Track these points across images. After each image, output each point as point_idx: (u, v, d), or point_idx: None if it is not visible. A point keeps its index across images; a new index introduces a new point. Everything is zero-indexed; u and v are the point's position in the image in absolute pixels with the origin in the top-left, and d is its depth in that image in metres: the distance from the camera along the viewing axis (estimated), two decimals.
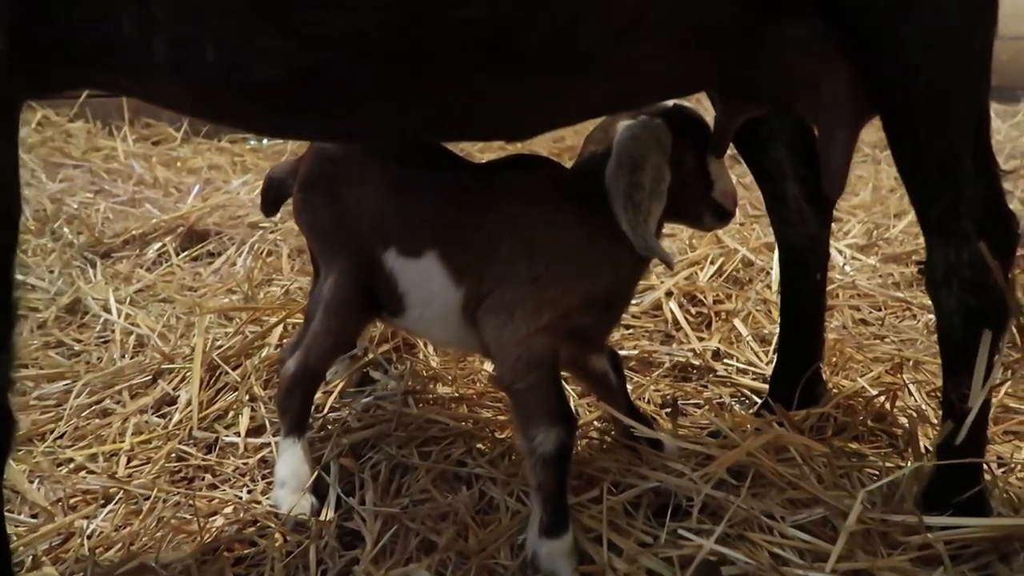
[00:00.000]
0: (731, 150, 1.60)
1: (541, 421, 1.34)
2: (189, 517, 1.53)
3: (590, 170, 1.47)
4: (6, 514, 1.20)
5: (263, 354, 2.03)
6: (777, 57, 1.26)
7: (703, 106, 1.93)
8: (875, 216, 3.04)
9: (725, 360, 2.11)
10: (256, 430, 1.84)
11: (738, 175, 3.65)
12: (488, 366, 1.94)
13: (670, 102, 1.48)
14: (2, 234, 0.96)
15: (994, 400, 1.73)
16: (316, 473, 1.61)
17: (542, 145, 4.44)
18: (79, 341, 2.29)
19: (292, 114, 1.13)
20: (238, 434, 1.81)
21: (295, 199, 1.59)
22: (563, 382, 1.91)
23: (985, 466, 1.44)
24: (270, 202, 1.78)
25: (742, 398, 1.99)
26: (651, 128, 1.42)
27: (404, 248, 1.45)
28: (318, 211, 1.53)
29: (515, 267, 1.38)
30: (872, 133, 4.48)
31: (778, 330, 1.89)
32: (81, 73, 1.08)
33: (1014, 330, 1.46)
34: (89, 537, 1.49)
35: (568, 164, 4.17)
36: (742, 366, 2.08)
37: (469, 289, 1.41)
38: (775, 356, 1.90)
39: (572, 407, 1.40)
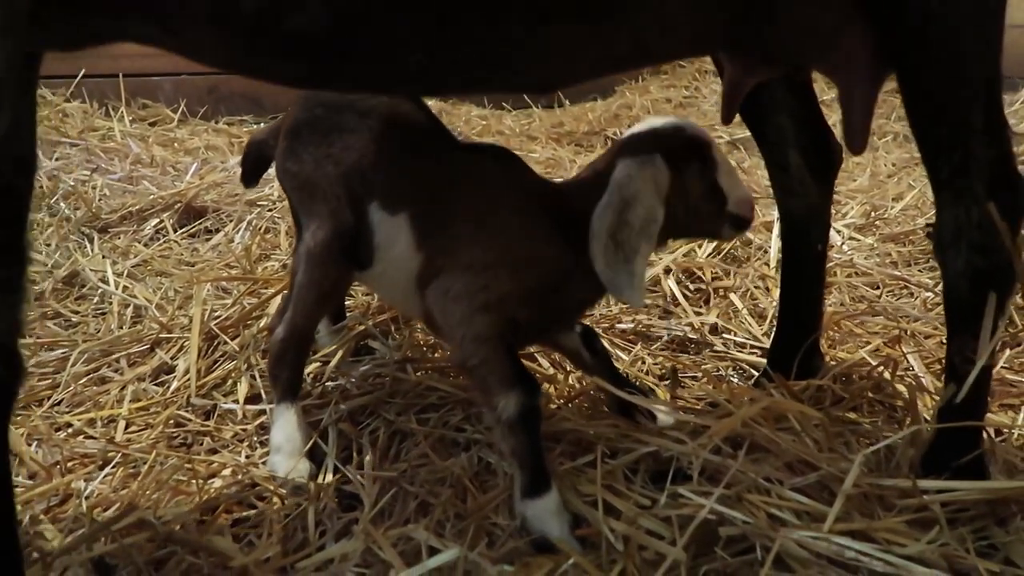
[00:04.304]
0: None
1: (499, 390, 1.37)
2: (187, 479, 1.53)
3: (571, 190, 1.51)
4: None
5: (261, 324, 2.03)
6: (795, 12, 1.25)
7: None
8: (873, 199, 3.04)
9: (723, 335, 2.11)
10: (254, 398, 1.84)
11: (736, 160, 3.68)
12: None
13: (671, 123, 1.47)
14: (18, 178, 0.96)
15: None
16: (314, 439, 1.62)
17: (541, 131, 4.44)
18: (76, 312, 2.29)
19: (324, 63, 1.13)
20: (236, 401, 1.81)
21: (279, 148, 1.61)
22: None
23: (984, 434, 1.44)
24: (251, 166, 1.79)
25: (740, 371, 1.99)
26: (648, 168, 1.40)
27: (385, 202, 1.49)
28: (303, 157, 1.55)
29: (458, 249, 1.43)
30: None
31: (776, 304, 1.90)
32: (118, 24, 1.07)
33: (1019, 296, 1.46)
34: (87, 498, 1.49)
35: (567, 149, 4.15)
36: (739, 340, 2.08)
37: (425, 259, 1.46)
38: (774, 329, 1.91)
39: (530, 372, 1.42)
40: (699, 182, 1.44)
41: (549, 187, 1.57)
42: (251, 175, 1.80)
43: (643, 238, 1.39)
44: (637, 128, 1.50)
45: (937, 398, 1.68)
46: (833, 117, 1.89)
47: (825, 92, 1.67)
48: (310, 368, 1.85)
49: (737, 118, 1.64)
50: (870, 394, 1.77)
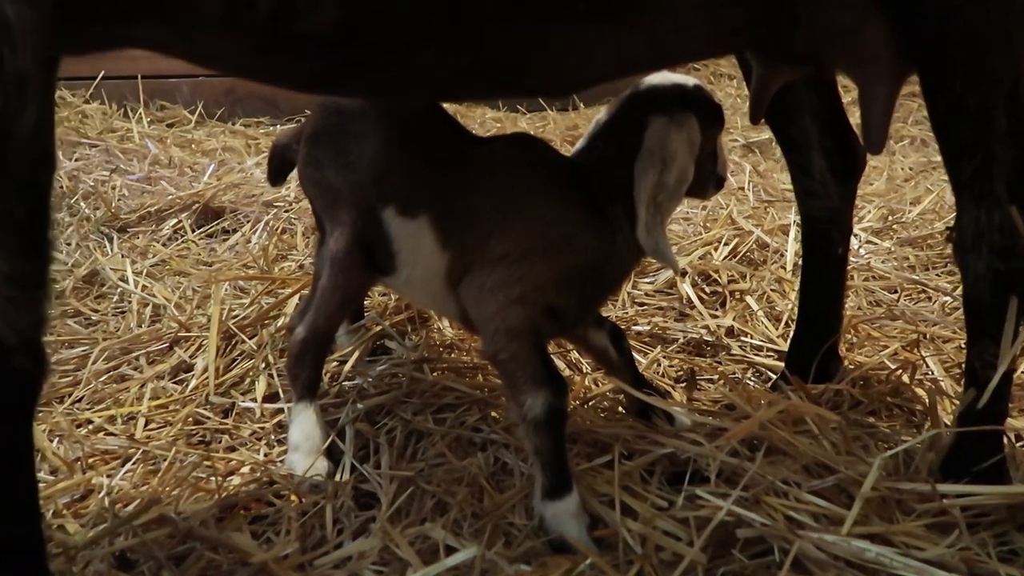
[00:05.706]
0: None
1: (527, 387, 1.36)
2: (207, 476, 1.54)
3: (590, 159, 1.48)
4: None
5: (279, 323, 2.04)
6: (814, 11, 1.24)
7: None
8: (891, 203, 3.03)
9: (739, 337, 2.11)
10: (272, 396, 1.85)
11: (753, 164, 3.67)
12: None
13: (688, 81, 1.47)
14: (41, 174, 0.98)
15: None
16: (331, 438, 1.62)
17: (556, 133, 4.44)
18: (96, 311, 2.31)
19: (338, 66, 1.13)
20: (254, 400, 1.82)
21: (300, 155, 1.61)
22: (577, 353, 1.95)
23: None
24: (276, 169, 1.80)
25: (757, 374, 1.99)
26: (685, 127, 1.40)
27: (402, 208, 1.47)
28: (323, 164, 1.55)
29: (488, 242, 1.41)
30: None
31: (793, 307, 1.89)
32: (126, 30, 1.08)
33: None
34: (109, 494, 1.50)
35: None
36: (756, 343, 2.08)
37: (452, 257, 1.44)
38: (791, 332, 1.90)
39: (560, 372, 1.41)
40: (710, 141, 1.46)
41: (570, 163, 1.53)
42: (277, 177, 1.81)
43: (675, 200, 1.39)
44: (652, 83, 1.47)
45: (956, 402, 1.67)
46: (856, 119, 1.88)
47: (848, 95, 1.67)
48: (327, 368, 1.86)
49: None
50: (888, 398, 1.76)
